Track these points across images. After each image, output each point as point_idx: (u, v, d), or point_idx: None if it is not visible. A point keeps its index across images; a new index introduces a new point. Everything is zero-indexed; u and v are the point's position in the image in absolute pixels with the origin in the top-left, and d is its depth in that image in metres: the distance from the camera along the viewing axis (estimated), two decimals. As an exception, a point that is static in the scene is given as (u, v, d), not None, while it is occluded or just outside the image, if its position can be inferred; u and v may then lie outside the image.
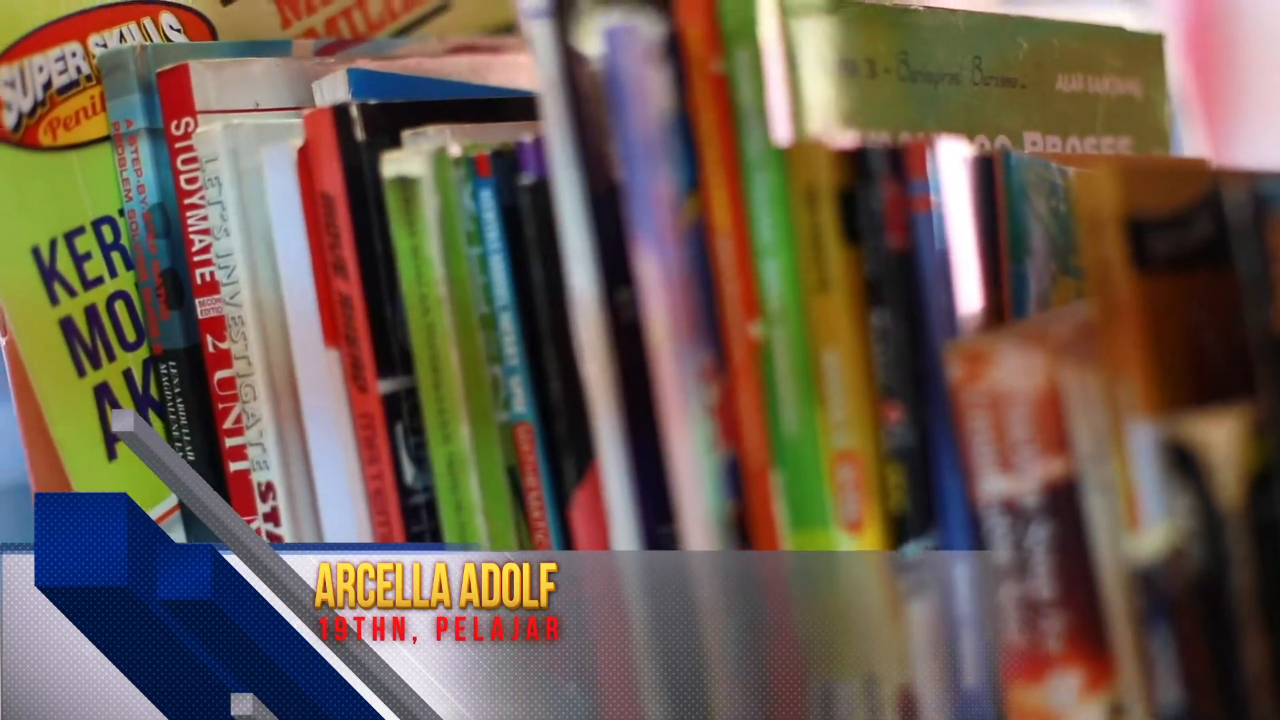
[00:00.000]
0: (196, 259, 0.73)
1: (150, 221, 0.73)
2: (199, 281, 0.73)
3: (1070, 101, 0.82)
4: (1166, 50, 0.85)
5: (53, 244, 0.73)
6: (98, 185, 0.74)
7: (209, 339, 0.73)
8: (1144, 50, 0.85)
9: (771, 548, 0.64)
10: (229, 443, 0.73)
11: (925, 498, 0.63)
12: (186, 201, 0.73)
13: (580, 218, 0.65)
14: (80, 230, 0.73)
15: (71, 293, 0.73)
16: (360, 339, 0.69)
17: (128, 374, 0.74)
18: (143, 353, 0.74)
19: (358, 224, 0.70)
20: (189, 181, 0.73)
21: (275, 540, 0.71)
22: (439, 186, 0.69)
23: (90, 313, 0.73)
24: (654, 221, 0.64)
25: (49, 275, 0.73)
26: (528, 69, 0.81)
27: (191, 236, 0.73)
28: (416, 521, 0.69)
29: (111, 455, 0.73)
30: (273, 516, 0.72)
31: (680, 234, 0.64)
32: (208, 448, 0.73)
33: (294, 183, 0.70)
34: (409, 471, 0.69)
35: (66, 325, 0.73)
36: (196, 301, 0.73)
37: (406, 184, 0.69)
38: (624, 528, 0.65)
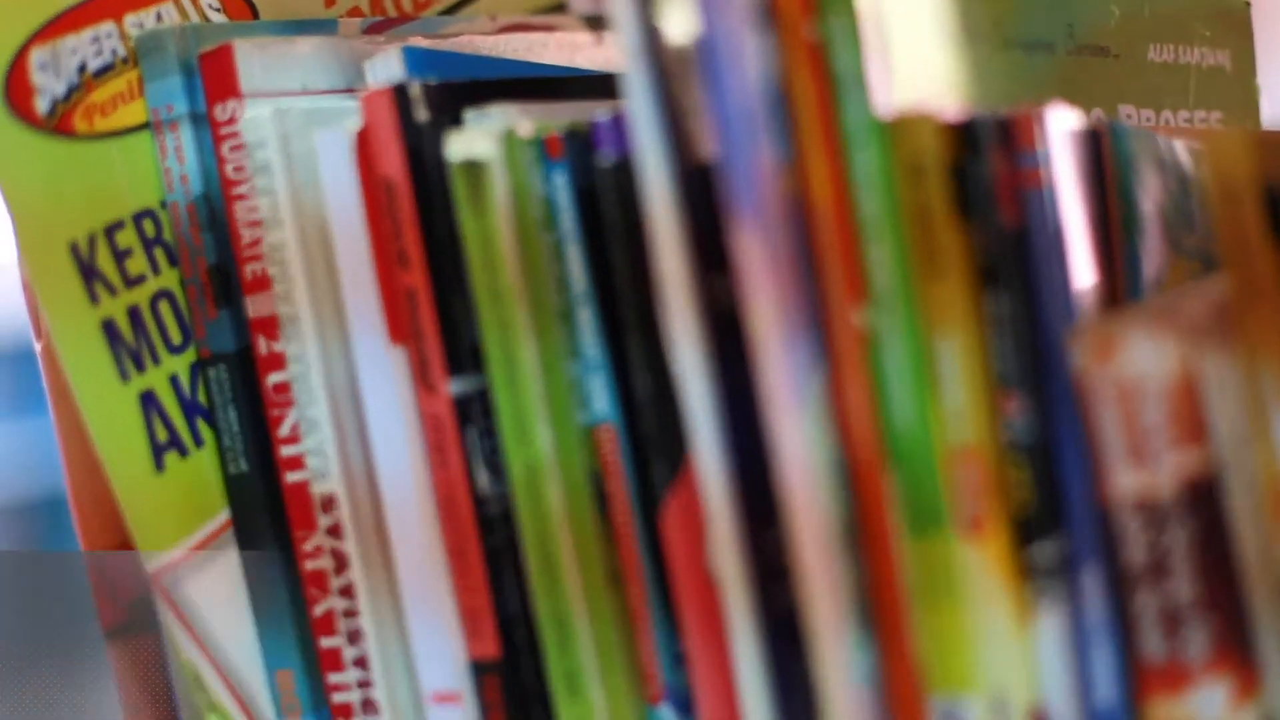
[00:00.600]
0: (246, 253, 0.68)
1: (195, 214, 0.68)
2: (249, 278, 0.68)
3: (1162, 73, 0.77)
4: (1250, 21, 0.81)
5: (91, 239, 0.68)
6: (137, 175, 0.69)
7: (261, 340, 0.68)
8: (1232, 20, 0.80)
9: (886, 552, 0.59)
10: (285, 451, 0.68)
11: (1050, 495, 0.58)
12: (234, 192, 0.68)
13: (670, 199, 0.60)
14: (120, 224, 0.68)
15: (113, 291, 0.68)
16: (427, 336, 0.65)
17: (174, 379, 0.69)
18: (189, 356, 0.69)
19: (422, 211, 0.65)
20: (236, 170, 0.68)
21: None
22: (509, 169, 0.64)
23: (133, 313, 0.68)
24: (755, 199, 0.59)
25: (88, 273, 0.68)
26: (585, 48, 0.76)
27: (240, 229, 0.68)
28: (491, 533, 0.64)
29: (159, 467, 0.68)
30: (335, 531, 0.67)
31: (785, 213, 0.59)
32: (261, 458, 0.68)
33: (351, 169, 0.65)
34: (483, 479, 0.64)
35: (108, 327, 0.68)
36: (246, 299, 0.68)
37: (474, 167, 0.64)
38: (725, 535, 0.60)
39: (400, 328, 0.65)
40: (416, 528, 0.65)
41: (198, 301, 0.68)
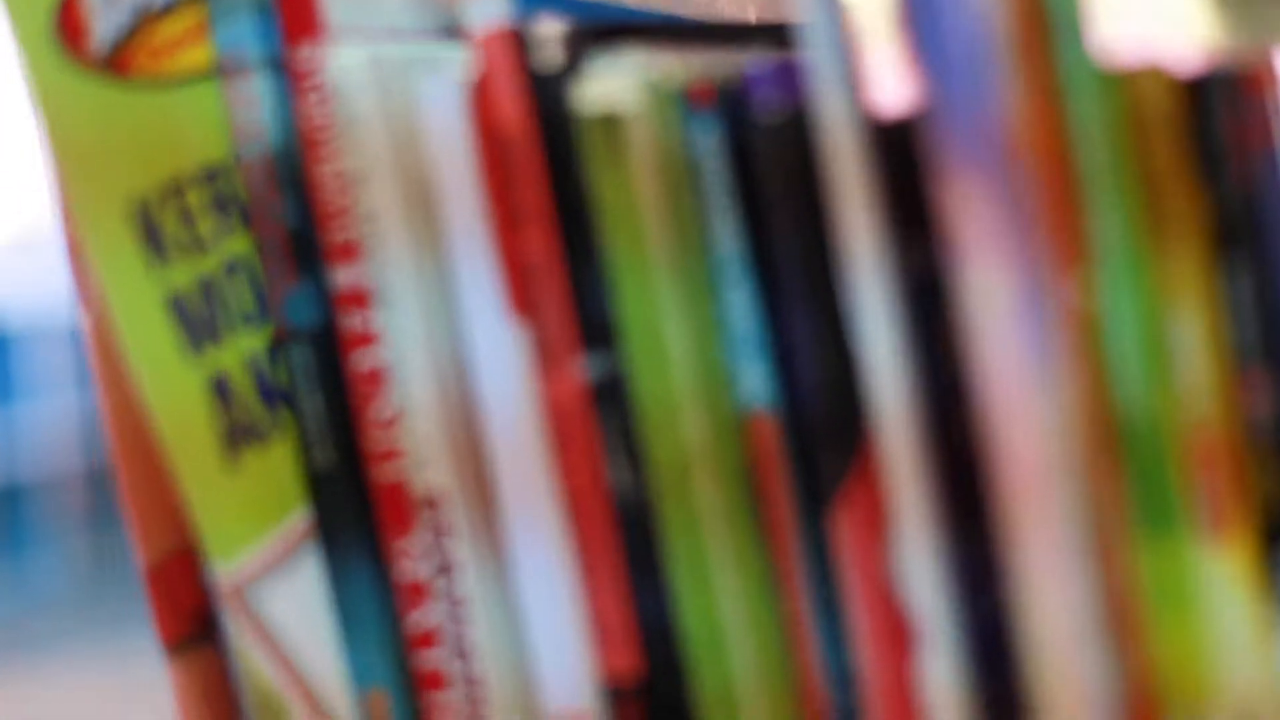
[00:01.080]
0: (331, 217, 0.60)
1: (270, 171, 0.60)
2: (334, 244, 0.60)
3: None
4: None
5: (152, 199, 0.59)
6: (204, 127, 0.60)
7: (349, 314, 0.60)
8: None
9: (1116, 551, 0.52)
10: (377, 441, 0.59)
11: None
12: (317, 148, 0.60)
13: (859, 155, 0.53)
14: (184, 182, 0.60)
15: (178, 258, 0.59)
16: (551, 311, 0.57)
17: (248, 358, 0.60)
18: (265, 333, 0.60)
19: (548, 169, 0.57)
20: (320, 123, 0.60)
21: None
22: (653, 123, 0.56)
23: (201, 283, 0.60)
24: (981, 151, 0.52)
25: (150, 236, 0.59)
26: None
27: (324, 190, 0.60)
28: (628, 535, 0.57)
29: (232, 459, 0.59)
30: (437, 530, 0.59)
31: (1011, 168, 0.52)
32: (350, 449, 0.60)
33: (463, 122, 0.58)
34: (619, 472, 0.57)
35: (173, 297, 0.59)
36: (331, 270, 0.60)
37: (611, 121, 0.56)
38: (917, 536, 0.53)
39: (522, 299, 0.57)
40: (540, 528, 0.58)
41: (274, 271, 0.60)
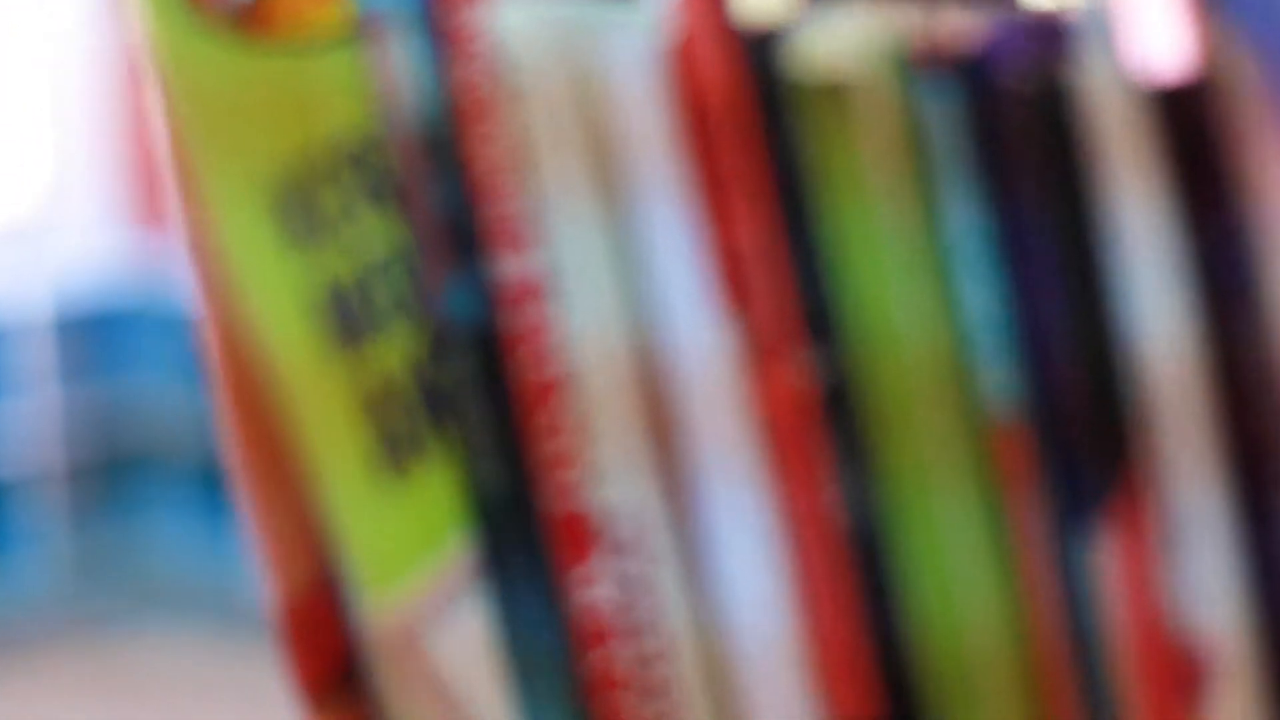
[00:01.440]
0: (496, 199, 0.52)
1: (424, 148, 0.52)
2: (497, 232, 0.52)
3: None
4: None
5: (294, 176, 0.51)
6: (344, 97, 0.53)
7: (515, 310, 0.52)
8: None
9: None
10: (552, 455, 0.52)
11: None
12: (478, 120, 0.52)
13: (1134, 125, 0.47)
14: (330, 157, 0.52)
15: (326, 244, 0.52)
16: (767, 302, 0.50)
17: (405, 359, 0.52)
18: (417, 331, 0.53)
19: (758, 146, 0.50)
20: (477, 94, 0.52)
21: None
22: (882, 90, 0.50)
23: (352, 272, 0.52)
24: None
25: (294, 220, 0.51)
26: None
27: (488, 169, 0.52)
28: (860, 563, 0.50)
29: (387, 476, 0.52)
30: (619, 554, 0.52)
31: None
32: (519, 463, 0.52)
33: (654, 91, 0.51)
34: (846, 490, 0.50)
35: (321, 288, 0.51)
36: (498, 258, 0.52)
37: (834, 88, 0.50)
38: (1207, 555, 0.47)
39: (734, 288, 0.51)
40: (753, 552, 0.51)
41: (430, 259, 0.52)
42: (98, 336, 4.16)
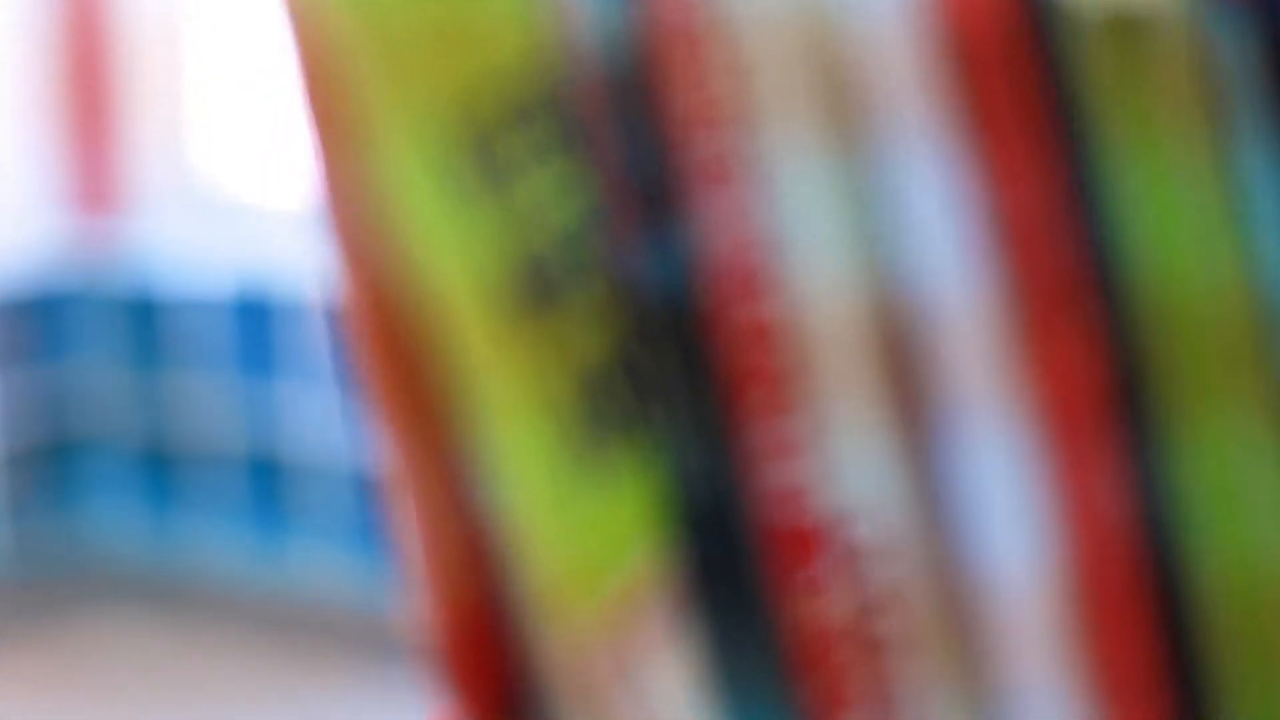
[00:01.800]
0: (703, 153, 0.44)
1: (608, 90, 0.44)
2: (701, 188, 0.44)
3: None
4: None
5: (467, 118, 0.43)
6: (519, 33, 0.44)
7: (725, 283, 0.44)
8: None
9: None
10: (766, 447, 0.44)
11: None
12: (671, 59, 0.44)
13: None
14: (504, 99, 0.44)
15: (505, 200, 0.43)
16: (1044, 265, 0.42)
17: (602, 333, 0.44)
18: (615, 299, 0.45)
19: (1034, 84, 0.42)
20: (676, 25, 0.44)
21: None
22: (1176, 22, 0.42)
23: (535, 232, 0.44)
24: None
25: (472, 167, 0.43)
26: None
27: (693, 115, 0.44)
28: (1160, 585, 0.42)
29: (590, 465, 0.43)
30: (847, 569, 0.44)
31: None
32: (728, 458, 0.44)
33: (908, 21, 0.43)
34: (1137, 477, 0.42)
35: (508, 249, 0.43)
36: (696, 220, 0.44)
37: (1126, 27, 0.42)
38: None
39: (1008, 246, 0.43)
40: (1030, 567, 0.43)
41: (616, 223, 0.44)
42: (38, 320, 4.05)
